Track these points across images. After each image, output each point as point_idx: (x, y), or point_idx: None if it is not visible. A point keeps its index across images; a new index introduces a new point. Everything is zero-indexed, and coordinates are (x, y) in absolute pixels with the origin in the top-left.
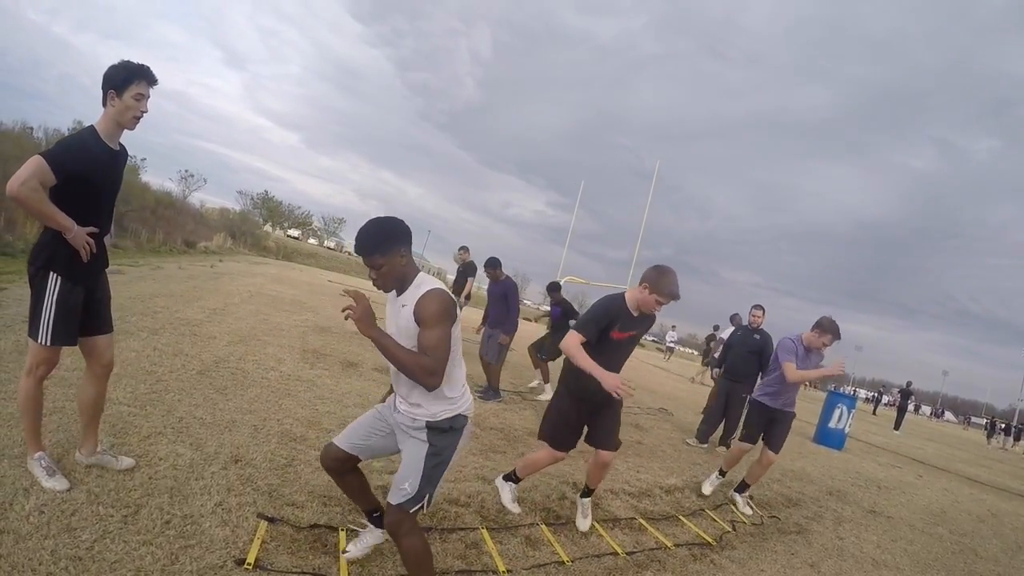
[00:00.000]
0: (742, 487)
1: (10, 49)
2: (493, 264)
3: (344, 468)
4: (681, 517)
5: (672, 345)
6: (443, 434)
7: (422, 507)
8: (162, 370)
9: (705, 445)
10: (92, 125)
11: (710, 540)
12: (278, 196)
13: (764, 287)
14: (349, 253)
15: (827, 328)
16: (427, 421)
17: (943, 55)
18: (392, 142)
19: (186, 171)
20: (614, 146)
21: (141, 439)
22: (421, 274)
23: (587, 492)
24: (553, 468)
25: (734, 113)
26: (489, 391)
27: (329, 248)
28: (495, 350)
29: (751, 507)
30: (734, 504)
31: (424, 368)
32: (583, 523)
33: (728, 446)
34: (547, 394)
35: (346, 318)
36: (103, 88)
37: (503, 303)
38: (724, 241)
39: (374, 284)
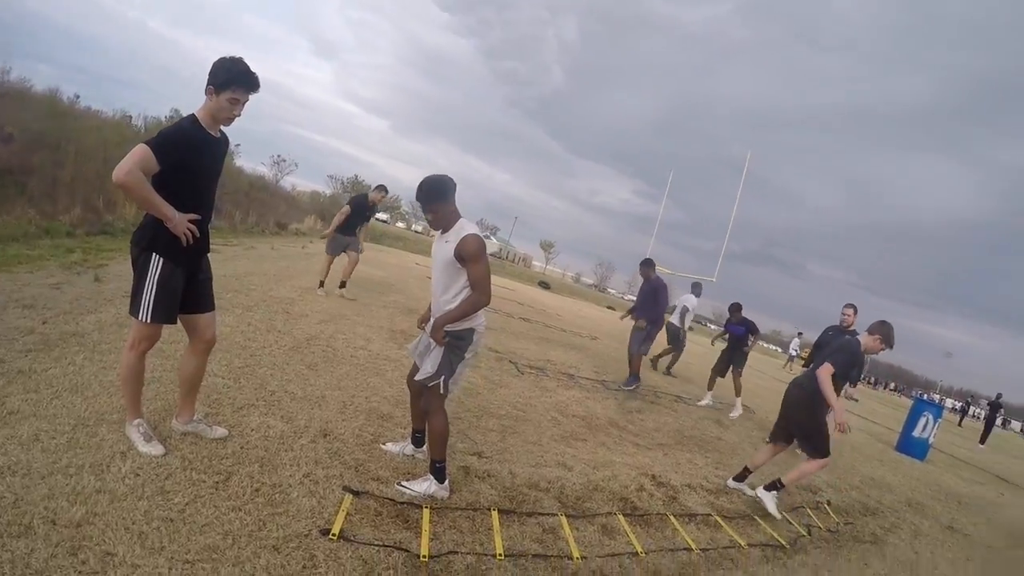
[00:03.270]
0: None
1: (110, 44)
2: (647, 264)
3: (418, 386)
4: (757, 517)
5: (794, 353)
6: (458, 340)
7: (438, 386)
8: (256, 345)
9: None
10: (193, 114)
11: (784, 543)
12: (367, 180)
13: (853, 285)
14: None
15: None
16: (447, 331)
17: None
18: (480, 129)
19: (278, 156)
20: (702, 135)
21: (234, 410)
22: (463, 220)
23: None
24: (632, 460)
25: (826, 102)
26: (630, 379)
27: (417, 232)
28: (639, 339)
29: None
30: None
31: (478, 303)
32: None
33: None
34: (738, 410)
35: (440, 343)
36: (207, 79)
37: (652, 298)
38: (813, 235)
39: (429, 224)
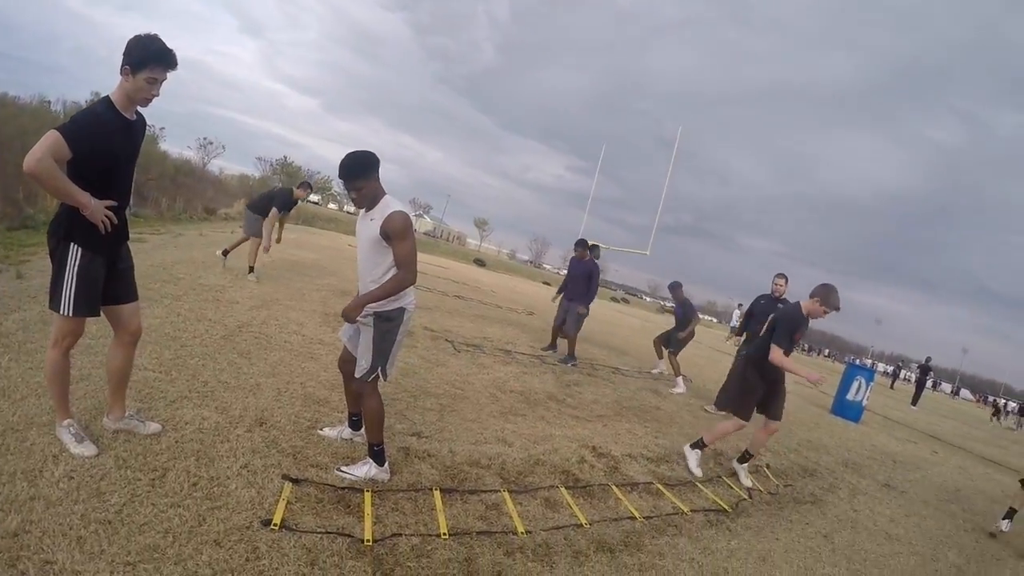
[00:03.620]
0: (745, 457)
1: (24, 25)
2: (582, 245)
3: (350, 369)
4: (698, 483)
5: (736, 324)
6: (387, 321)
7: (377, 376)
8: (186, 335)
9: (723, 412)
10: (108, 96)
11: (726, 507)
12: (297, 161)
13: (784, 256)
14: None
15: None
16: (375, 312)
17: (969, 26)
18: (411, 106)
19: (205, 139)
20: (634, 111)
21: (167, 404)
22: (388, 196)
23: (745, 458)
24: (572, 432)
25: (756, 80)
26: (567, 357)
27: (349, 213)
28: (574, 321)
29: (751, 479)
30: (736, 475)
31: (404, 281)
32: (747, 481)
33: None
34: (680, 387)
35: (352, 320)
36: (122, 59)
37: (586, 281)
38: (744, 208)
39: (354, 202)
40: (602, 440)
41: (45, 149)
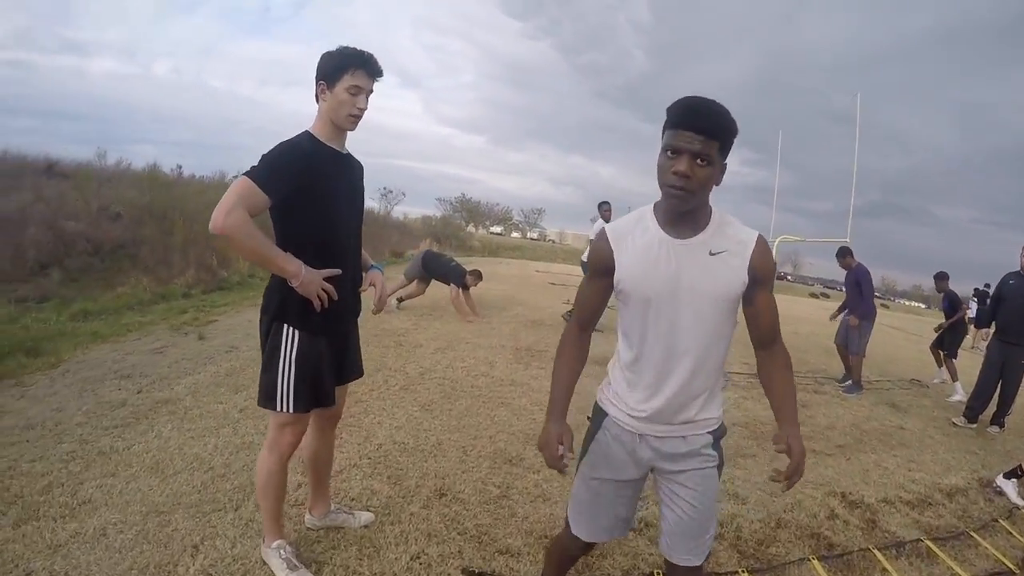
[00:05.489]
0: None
1: (206, 114)
2: (843, 253)
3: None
4: (972, 532)
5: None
6: (720, 440)
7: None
8: (362, 390)
9: (974, 425)
10: (306, 130)
11: (1012, 567)
12: (475, 197)
13: (983, 221)
14: (552, 241)
15: None
16: (711, 431)
17: None
18: (575, 126)
19: (385, 188)
20: (798, 90)
21: (333, 474)
22: (718, 210)
23: (1018, 473)
24: (814, 474)
25: (916, 27)
26: (852, 385)
27: (533, 239)
28: (855, 339)
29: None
30: (1003, 494)
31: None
32: (1018, 500)
33: (1002, 425)
34: (959, 394)
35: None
36: (315, 79)
37: (856, 289)
38: (932, 174)
39: (679, 187)
40: (850, 482)
41: (233, 200)
